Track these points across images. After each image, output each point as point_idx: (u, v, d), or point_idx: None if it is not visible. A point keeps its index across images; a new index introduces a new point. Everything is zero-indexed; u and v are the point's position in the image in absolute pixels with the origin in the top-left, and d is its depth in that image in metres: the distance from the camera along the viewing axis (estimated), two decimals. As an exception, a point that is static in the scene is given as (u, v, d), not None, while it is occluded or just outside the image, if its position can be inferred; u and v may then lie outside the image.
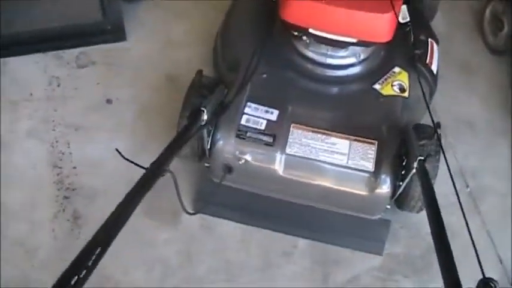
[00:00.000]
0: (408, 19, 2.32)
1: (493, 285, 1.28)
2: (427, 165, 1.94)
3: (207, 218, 2.29)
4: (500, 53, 2.87)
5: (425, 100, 2.03)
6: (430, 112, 2.01)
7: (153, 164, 1.60)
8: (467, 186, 2.48)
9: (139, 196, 1.48)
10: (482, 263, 2.23)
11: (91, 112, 2.54)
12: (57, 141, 2.43)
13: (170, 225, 2.28)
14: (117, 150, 1.63)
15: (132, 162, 1.57)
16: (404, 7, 2.31)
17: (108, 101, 2.56)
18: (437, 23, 2.87)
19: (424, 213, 2.30)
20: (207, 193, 2.22)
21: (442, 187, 2.45)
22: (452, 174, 2.44)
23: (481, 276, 1.37)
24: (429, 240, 2.27)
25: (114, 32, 2.73)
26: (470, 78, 2.82)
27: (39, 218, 2.25)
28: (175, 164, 2.32)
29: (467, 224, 1.57)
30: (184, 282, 2.17)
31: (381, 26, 2.07)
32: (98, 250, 1.22)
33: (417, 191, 2.08)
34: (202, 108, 1.95)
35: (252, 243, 2.26)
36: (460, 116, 2.69)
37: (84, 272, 1.15)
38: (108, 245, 1.29)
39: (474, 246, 1.49)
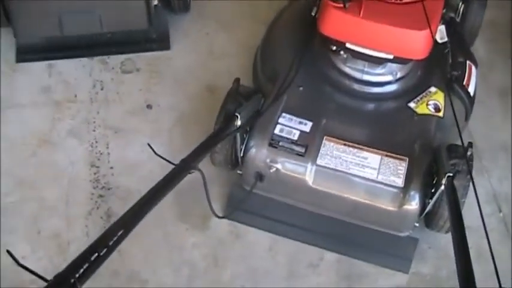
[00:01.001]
0: (446, 39, 2.34)
1: None
2: (456, 183, 1.94)
3: (236, 225, 2.33)
4: (540, 80, 2.85)
5: (456, 118, 2.02)
6: (459, 130, 2.01)
7: (182, 160, 1.66)
8: (500, 211, 2.46)
9: (166, 189, 1.55)
10: (511, 287, 2.22)
11: (131, 116, 2.62)
12: (96, 142, 2.52)
13: (199, 229, 2.33)
14: (148, 145, 1.69)
15: (162, 157, 1.64)
16: (442, 27, 2.33)
17: (149, 107, 2.63)
18: (478, 47, 2.88)
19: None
20: (238, 200, 2.26)
21: (476, 210, 2.45)
22: (486, 198, 2.48)
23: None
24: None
25: (159, 41, 2.82)
26: (508, 105, 2.80)
27: (74, 214, 2.33)
28: (209, 171, 2.41)
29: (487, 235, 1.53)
30: (209, 286, 2.21)
31: (416, 42, 2.08)
32: (121, 232, 1.27)
33: (446, 210, 2.07)
34: (236, 114, 2.00)
35: (279, 252, 2.29)
36: (497, 141, 2.67)
37: (105, 250, 1.20)
38: (130, 229, 1.35)
39: (495, 267, 1.46)
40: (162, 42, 2.82)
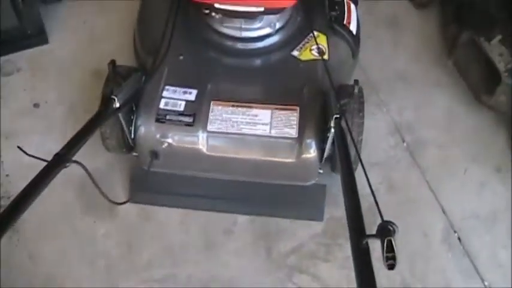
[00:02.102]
0: (315, -19, 2.31)
1: (391, 228, 1.27)
2: (349, 122, 1.96)
3: (144, 207, 2.28)
4: (424, 5, 2.86)
5: (325, 64, 2.00)
6: (328, 72, 2.05)
7: (56, 155, 1.59)
8: (404, 141, 2.48)
9: (41, 186, 1.49)
10: (428, 214, 2.27)
11: (20, 118, 2.51)
12: (-14, 152, 2.41)
13: (108, 219, 2.27)
14: (18, 147, 1.61)
15: (33, 156, 1.56)
16: (312, -29, 2.31)
17: (36, 105, 2.53)
18: (360, -15, 2.87)
19: (361, 174, 2.32)
20: (140, 182, 2.22)
21: (381, 143, 2.48)
22: (389, 130, 2.50)
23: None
24: (369, 199, 2.29)
25: (35, 36, 2.69)
26: (398, 34, 2.81)
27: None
28: (108, 159, 2.36)
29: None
30: (129, 272, 2.16)
31: (281, -10, 2.05)
32: None
33: (345, 150, 2.07)
34: (113, 96, 1.93)
35: (192, 225, 2.25)
36: (392, 72, 2.68)
37: None
38: (5, 230, 1.31)
39: (373, 195, 1.46)
40: (38, 37, 2.70)
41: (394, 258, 1.24)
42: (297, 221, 2.26)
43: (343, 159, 1.71)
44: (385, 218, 2.26)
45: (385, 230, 1.26)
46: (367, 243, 1.30)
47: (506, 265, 2.19)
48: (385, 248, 1.23)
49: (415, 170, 2.41)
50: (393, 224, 1.29)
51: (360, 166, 2.13)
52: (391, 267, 1.25)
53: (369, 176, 2.34)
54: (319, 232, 2.24)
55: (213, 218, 2.26)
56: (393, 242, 1.23)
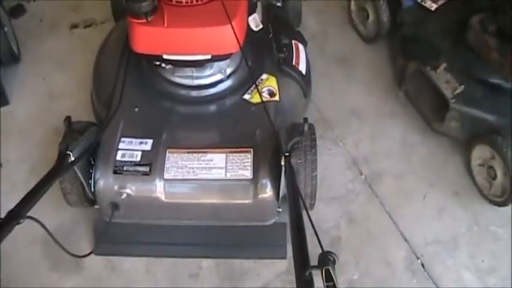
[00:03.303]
0: (261, 26, 2.39)
1: (331, 257, 1.32)
2: (301, 159, 2.05)
3: (110, 258, 2.31)
4: (372, 40, 2.95)
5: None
6: (267, 112, 2.09)
7: (10, 212, 1.62)
8: (361, 174, 2.53)
9: None
10: (390, 244, 2.30)
11: (-18, 181, 2.54)
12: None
13: (74, 273, 2.29)
14: None
15: None
16: (256, 15, 2.38)
17: (-2, 165, 2.57)
18: (310, 25, 2.97)
19: (321, 210, 2.37)
20: (103, 233, 2.24)
21: (339, 178, 2.53)
22: (347, 165, 2.55)
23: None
24: (331, 233, 2.35)
25: (-4, 98, 2.75)
26: (350, 71, 2.89)
27: None
28: (73, 214, 2.38)
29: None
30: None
31: (224, 37, 2.10)
32: None
33: (301, 189, 2.10)
34: (68, 152, 1.97)
35: (157, 273, 2.28)
36: (345, 108, 2.75)
37: None
38: None
39: (312, 223, 1.51)
40: (-2, 99, 2.75)
41: (334, 287, 1.28)
42: (261, 260, 2.29)
43: (291, 195, 1.76)
44: (347, 251, 2.33)
45: (325, 260, 1.31)
46: (310, 274, 1.34)
47: (471, 286, 2.22)
48: (324, 278, 1.28)
49: (375, 201, 2.46)
50: (333, 254, 1.34)
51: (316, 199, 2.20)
52: None
53: (328, 211, 2.42)
54: (283, 270, 2.27)
55: (178, 264, 2.28)
56: (331, 271, 1.28)
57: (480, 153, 2.40)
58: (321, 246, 1.41)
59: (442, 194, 2.48)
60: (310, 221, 1.56)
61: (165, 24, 2.06)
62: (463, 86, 2.38)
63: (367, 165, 2.56)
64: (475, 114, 2.37)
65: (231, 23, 2.04)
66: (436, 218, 2.42)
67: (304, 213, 1.64)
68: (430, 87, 2.50)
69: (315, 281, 1.34)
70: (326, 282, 1.28)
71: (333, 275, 1.28)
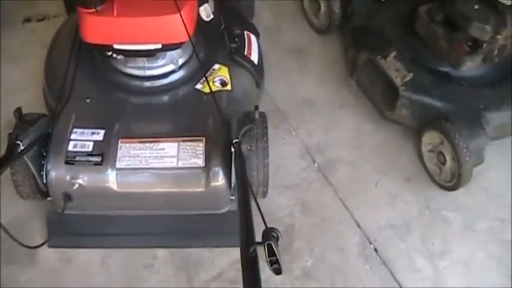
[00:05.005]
0: (212, 17, 2.40)
1: (274, 234, 1.34)
2: (253, 147, 2.08)
3: (64, 250, 2.29)
4: (324, 31, 2.99)
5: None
6: (215, 100, 2.16)
7: None
8: (315, 162, 2.56)
9: None
10: (343, 230, 2.33)
11: None
12: None
13: (28, 265, 2.26)
14: None
15: None
16: (206, 6, 2.40)
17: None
18: (264, 17, 3.00)
19: (275, 198, 2.39)
20: (56, 225, 2.23)
21: (293, 166, 2.56)
22: (300, 154, 2.58)
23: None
24: (285, 221, 2.37)
25: None
26: (303, 61, 2.93)
27: None
28: (27, 207, 2.37)
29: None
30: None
31: (173, 26, 2.11)
32: None
33: (253, 176, 2.14)
34: (18, 142, 1.96)
35: (112, 264, 2.27)
36: (299, 98, 2.79)
37: None
38: None
39: (258, 206, 1.53)
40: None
41: (278, 262, 1.31)
42: (216, 249, 2.30)
43: (239, 180, 1.78)
44: (301, 239, 2.35)
45: (268, 236, 1.33)
46: (255, 251, 1.36)
47: (423, 270, 2.27)
48: (267, 253, 1.30)
49: (328, 189, 2.49)
50: (276, 230, 1.36)
51: (269, 189, 2.23)
52: (277, 271, 1.32)
53: (282, 199, 2.44)
54: (238, 258, 2.24)
55: (133, 255, 2.28)
56: (274, 246, 1.30)
57: (430, 139, 2.45)
58: (265, 223, 1.43)
59: (394, 180, 2.53)
60: (255, 199, 1.58)
61: (115, 14, 2.07)
62: (412, 74, 2.42)
63: (320, 154, 2.59)
64: (424, 101, 2.42)
65: (180, 12, 2.05)
66: (388, 204, 2.46)
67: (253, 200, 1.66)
68: (380, 76, 2.54)
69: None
70: (269, 257, 1.31)
71: (275, 250, 1.30)
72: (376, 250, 2.32)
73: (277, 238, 1.34)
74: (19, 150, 1.96)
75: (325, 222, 2.40)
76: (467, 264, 2.28)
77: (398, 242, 2.35)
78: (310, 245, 2.32)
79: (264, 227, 1.47)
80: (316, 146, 2.62)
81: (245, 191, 1.70)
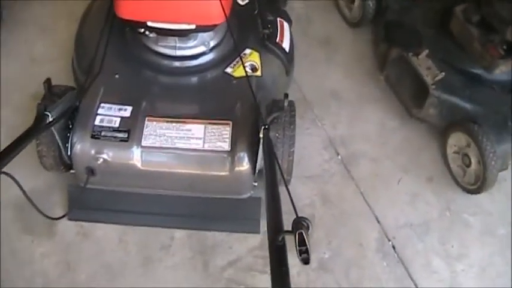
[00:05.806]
0: (247, 1, 2.39)
1: (305, 223, 1.32)
2: (279, 133, 2.06)
3: (83, 224, 2.30)
4: (356, 24, 2.96)
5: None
6: (250, 84, 2.13)
7: None
8: (338, 154, 2.55)
9: None
10: (362, 225, 2.32)
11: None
12: None
13: (46, 238, 2.27)
14: None
15: None
16: (242, -11, 2.39)
17: (-25, 130, 2.53)
18: (295, 6, 2.97)
19: (297, 188, 2.38)
20: (77, 199, 2.23)
21: (316, 157, 2.55)
22: (323, 145, 2.57)
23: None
24: (305, 211, 2.36)
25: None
26: (332, 53, 2.91)
27: None
28: (48, 179, 2.36)
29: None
30: (65, 290, 2.17)
31: (209, 8, 2.10)
32: None
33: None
34: (46, 113, 1.96)
35: (130, 242, 2.27)
36: (325, 89, 2.77)
37: None
38: None
39: (290, 194, 1.52)
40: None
41: (307, 251, 1.29)
42: (234, 234, 2.29)
43: (267, 166, 1.77)
44: (320, 230, 2.34)
45: (299, 225, 1.31)
46: (283, 239, 1.35)
47: (439, 272, 2.26)
48: (297, 242, 1.28)
49: (350, 183, 2.48)
50: (307, 219, 1.34)
51: (292, 177, 2.21)
52: (305, 261, 1.30)
53: (304, 189, 2.43)
54: (256, 245, 2.27)
55: (150, 234, 2.28)
56: (305, 235, 1.28)
57: (456, 140, 2.43)
58: (296, 212, 1.41)
59: (416, 179, 2.51)
60: (287, 188, 1.57)
61: (151, -9, 2.06)
62: (443, 73, 2.39)
63: (344, 147, 2.58)
64: (453, 101, 2.40)
65: (221, -5, 2.04)
66: (409, 202, 2.44)
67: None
68: (411, 73, 2.52)
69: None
70: (299, 246, 1.29)
71: (306, 239, 1.29)
72: (394, 247, 2.31)
73: (308, 227, 1.32)
74: (47, 122, 1.95)
75: (344, 215, 2.39)
76: (484, 268, 2.27)
77: (416, 241, 2.33)
78: (328, 238, 2.31)
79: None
80: (340, 138, 2.60)
81: (273, 178, 1.68)
